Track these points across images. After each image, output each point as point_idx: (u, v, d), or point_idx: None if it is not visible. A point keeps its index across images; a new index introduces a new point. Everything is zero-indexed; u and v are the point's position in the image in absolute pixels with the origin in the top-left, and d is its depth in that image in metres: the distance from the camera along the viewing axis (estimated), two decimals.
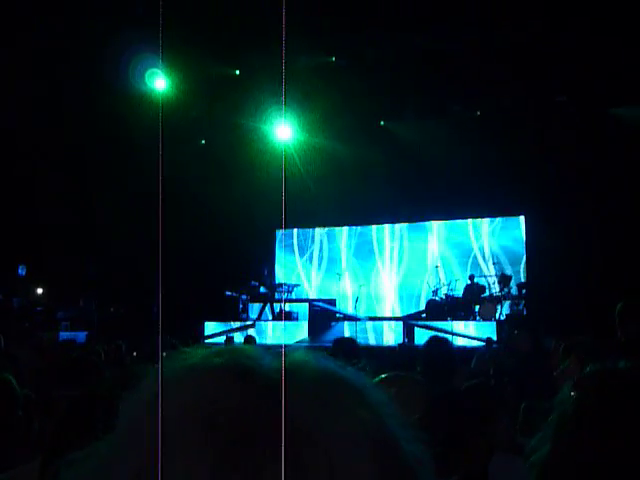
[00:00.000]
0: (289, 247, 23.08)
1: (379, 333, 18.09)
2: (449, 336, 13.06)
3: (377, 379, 2.34)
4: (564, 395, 1.46)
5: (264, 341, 17.53)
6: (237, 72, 18.28)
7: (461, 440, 2.57)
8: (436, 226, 21.39)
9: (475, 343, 15.49)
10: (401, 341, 16.95)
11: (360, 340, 17.74)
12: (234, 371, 0.72)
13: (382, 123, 19.92)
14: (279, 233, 22.33)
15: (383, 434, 0.71)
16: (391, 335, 17.74)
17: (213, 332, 18.41)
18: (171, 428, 0.66)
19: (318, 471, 0.65)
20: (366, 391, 0.75)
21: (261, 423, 0.66)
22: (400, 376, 2.40)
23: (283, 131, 18.22)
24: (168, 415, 0.66)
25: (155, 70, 16.31)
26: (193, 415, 0.67)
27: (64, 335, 16.30)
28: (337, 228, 22.52)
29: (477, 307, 17.95)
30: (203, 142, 20.73)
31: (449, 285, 19.33)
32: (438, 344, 5.82)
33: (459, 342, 15.40)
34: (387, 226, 21.93)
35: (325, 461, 0.65)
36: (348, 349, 5.72)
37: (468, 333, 16.36)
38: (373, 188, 19.56)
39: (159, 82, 16.60)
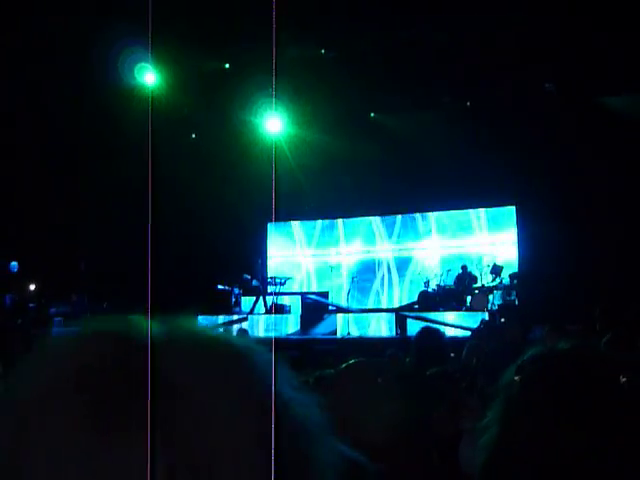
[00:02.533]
0: (286, 239, 23.05)
1: (371, 325, 18.12)
2: (441, 327, 13.10)
3: (344, 365, 2.38)
4: (509, 378, 1.47)
5: (257, 334, 17.53)
6: (227, 66, 18.24)
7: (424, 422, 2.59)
8: (428, 217, 21.39)
9: (467, 333, 15.53)
10: (393, 333, 16.99)
11: (352, 333, 17.81)
12: (112, 335, 0.74)
13: (372, 115, 19.91)
14: (271, 226, 22.34)
15: (265, 394, 0.72)
16: (383, 327, 17.77)
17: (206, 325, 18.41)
18: (43, 391, 0.68)
19: (191, 425, 0.67)
20: (254, 356, 0.77)
21: (131, 383, 0.67)
22: (365, 362, 2.43)
23: (274, 124, 18.21)
24: (41, 379, 0.69)
25: (144, 64, 16.27)
26: (64, 377, 0.69)
27: (57, 331, 16.27)
28: (328, 220, 22.49)
29: (469, 298, 18.00)
30: (194, 136, 20.69)
31: (441, 276, 19.37)
32: (429, 335, 5.85)
33: (451, 333, 15.43)
34: (378, 217, 21.92)
35: (198, 415, 0.68)
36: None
37: (460, 323, 16.38)
38: (364, 180, 19.56)
39: (149, 76, 16.56)
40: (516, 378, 1.47)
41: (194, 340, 0.76)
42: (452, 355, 6.70)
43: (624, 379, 1.39)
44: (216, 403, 0.70)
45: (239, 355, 0.77)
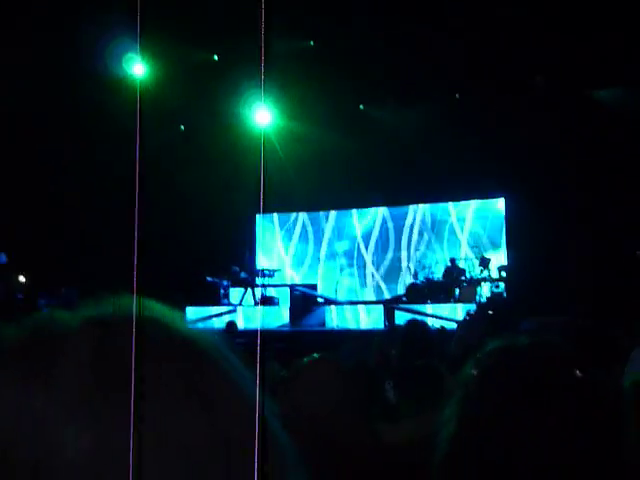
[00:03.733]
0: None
1: (359, 317, 18.14)
2: (428, 319, 13.14)
3: (304, 360, 2.44)
4: (466, 372, 1.49)
5: (245, 326, 17.53)
6: (215, 57, 18.20)
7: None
8: (417, 209, 21.41)
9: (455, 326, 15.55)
10: (382, 325, 17.01)
11: (340, 324, 17.84)
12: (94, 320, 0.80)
13: (361, 107, 19.89)
14: (260, 218, 22.34)
15: (205, 375, 0.76)
16: (371, 319, 17.80)
17: (194, 318, 18.38)
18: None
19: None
20: (194, 338, 0.81)
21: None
22: (322, 359, 2.48)
23: (262, 116, 18.18)
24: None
25: (133, 55, 16.22)
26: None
27: None
28: (318, 212, 22.50)
29: (457, 290, 18.04)
30: (182, 128, 20.64)
31: (429, 268, 19.41)
32: (416, 327, 5.88)
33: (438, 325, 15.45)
34: (367, 210, 21.93)
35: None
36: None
37: (448, 316, 16.40)
38: (354, 172, 19.56)
39: (137, 67, 16.51)
40: (473, 372, 1.49)
41: (139, 320, 0.77)
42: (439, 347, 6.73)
43: (579, 374, 1.41)
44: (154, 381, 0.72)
45: (181, 334, 0.80)
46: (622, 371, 5.33)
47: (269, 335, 15.00)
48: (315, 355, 2.53)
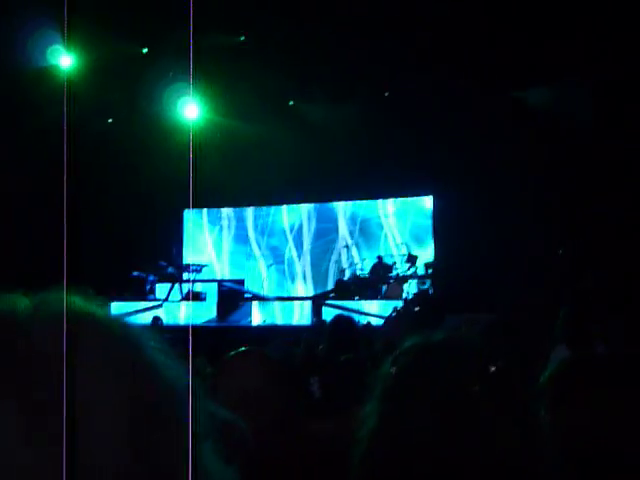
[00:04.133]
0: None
1: (287, 313, 18.16)
2: (356, 315, 13.22)
3: (232, 353, 2.46)
4: (385, 370, 1.51)
5: (172, 322, 17.41)
6: (145, 50, 18.01)
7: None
8: (345, 206, 21.50)
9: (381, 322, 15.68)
10: (310, 321, 17.05)
11: (268, 320, 17.84)
12: None
13: (291, 103, 19.89)
14: (188, 213, 22.20)
15: (130, 361, 0.77)
16: (299, 315, 17.83)
17: (120, 312, 18.17)
18: None
19: (55, 389, 0.71)
20: (119, 328, 0.82)
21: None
22: (248, 351, 2.50)
23: (191, 110, 18.06)
24: None
25: (58, 47, 15.97)
26: None
27: None
28: (246, 208, 22.44)
29: (384, 287, 18.17)
30: (110, 121, 20.38)
31: (357, 265, 19.52)
32: (342, 323, 5.91)
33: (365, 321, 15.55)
34: (296, 206, 21.95)
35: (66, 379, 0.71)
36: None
37: (375, 312, 16.51)
38: (283, 168, 19.54)
39: (64, 59, 16.25)
40: (391, 370, 1.51)
41: (59, 313, 0.77)
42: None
43: (493, 369, 1.44)
44: (87, 370, 0.73)
45: (101, 324, 0.80)
46: (543, 369, 5.44)
47: (196, 330, 14.91)
48: (242, 348, 2.54)
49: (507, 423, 1.41)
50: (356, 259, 20.10)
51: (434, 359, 1.50)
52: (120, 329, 0.81)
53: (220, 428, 0.88)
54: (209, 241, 22.87)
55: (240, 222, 22.61)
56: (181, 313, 18.31)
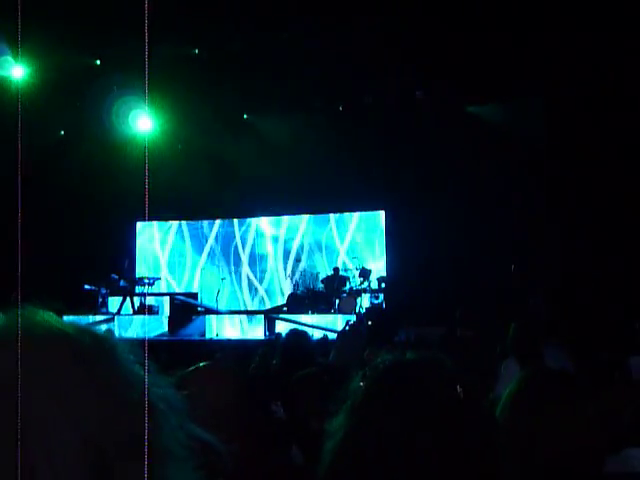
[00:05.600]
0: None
1: (239, 327, 18.08)
2: (309, 329, 13.20)
3: (191, 368, 2.43)
4: (355, 385, 1.53)
5: (124, 335, 17.24)
6: (98, 62, 17.88)
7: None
8: (299, 219, 21.49)
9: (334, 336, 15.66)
10: (265, 335, 16.99)
11: (220, 334, 17.73)
12: None
13: (245, 117, 19.87)
14: (140, 225, 22.05)
15: (111, 378, 0.77)
16: (252, 329, 17.75)
17: None
18: None
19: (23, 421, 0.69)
20: (101, 344, 0.82)
21: None
22: (211, 366, 2.48)
23: (145, 123, 17.97)
24: None
25: (9, 58, 15.80)
26: None
27: None
28: (199, 221, 22.35)
29: (337, 301, 18.17)
30: (62, 133, 20.19)
31: (310, 278, 19.50)
32: (296, 337, 5.90)
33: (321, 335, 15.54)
34: (251, 219, 21.90)
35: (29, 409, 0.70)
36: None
37: (328, 326, 16.49)
38: (237, 182, 19.52)
39: (16, 70, 16.08)
40: (361, 384, 1.53)
41: (29, 333, 0.76)
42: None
43: (460, 389, 1.47)
44: (48, 393, 0.72)
45: (75, 344, 0.78)
46: (492, 381, 5.49)
47: (149, 344, 14.77)
48: (200, 364, 2.50)
49: (473, 433, 1.44)
50: (309, 272, 20.08)
51: (403, 375, 1.52)
52: (95, 344, 0.80)
53: (199, 449, 0.87)
54: (161, 254, 22.72)
55: (194, 235, 22.51)
56: (132, 327, 18.13)
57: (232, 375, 2.52)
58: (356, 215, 20.93)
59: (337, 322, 16.37)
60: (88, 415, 0.73)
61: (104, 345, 0.80)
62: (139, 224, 22.03)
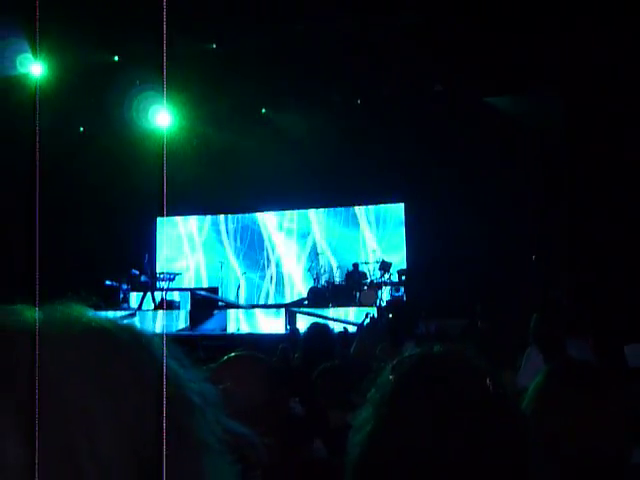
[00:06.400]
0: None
1: (261, 321, 18.12)
2: (330, 322, 13.21)
3: (223, 359, 2.42)
4: (384, 378, 1.53)
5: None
6: (116, 58, 17.93)
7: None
8: (318, 213, 21.50)
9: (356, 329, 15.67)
10: (285, 329, 17.01)
11: (241, 328, 17.78)
12: None
13: (263, 111, 19.87)
14: (161, 220, 22.12)
15: (146, 371, 0.77)
16: (273, 323, 17.78)
17: None
18: None
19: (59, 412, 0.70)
20: (135, 339, 0.82)
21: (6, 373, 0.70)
22: (243, 355, 2.47)
23: (163, 118, 18.01)
24: None
25: (28, 55, 15.86)
26: None
27: None
28: (220, 215, 22.39)
29: (358, 294, 18.17)
30: (82, 129, 20.27)
31: (331, 272, 19.51)
32: (317, 331, 5.90)
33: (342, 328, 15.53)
34: (271, 213, 21.92)
35: (69, 401, 0.71)
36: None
37: (350, 319, 16.50)
38: (256, 176, 19.55)
39: (35, 67, 16.14)
40: (390, 377, 1.53)
41: (68, 328, 0.77)
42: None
43: (490, 383, 1.47)
44: (89, 388, 0.72)
45: (114, 339, 0.80)
46: (513, 371, 5.48)
47: (169, 339, 14.83)
48: (231, 355, 2.50)
49: (503, 428, 1.44)
50: (330, 266, 20.09)
51: (433, 368, 1.52)
52: (132, 339, 0.81)
53: (235, 443, 0.88)
54: (183, 248, 22.78)
55: (215, 229, 22.56)
56: (154, 322, 18.21)
57: (265, 366, 2.52)
58: (376, 207, 20.90)
59: (358, 315, 16.37)
60: (129, 408, 0.74)
61: (141, 340, 0.81)
62: (160, 219, 22.12)
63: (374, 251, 20.14)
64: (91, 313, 0.82)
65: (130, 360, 0.78)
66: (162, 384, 0.74)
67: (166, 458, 0.72)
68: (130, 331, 0.82)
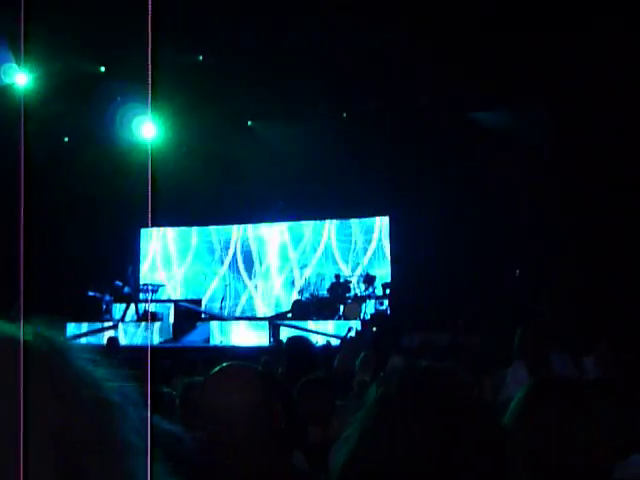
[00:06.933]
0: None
1: (244, 333, 18.06)
2: (314, 335, 13.19)
3: (215, 369, 2.43)
4: (372, 391, 1.54)
5: (128, 342, 17.25)
6: (102, 69, 17.88)
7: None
8: (300, 226, 21.48)
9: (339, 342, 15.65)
10: (269, 342, 16.97)
11: (225, 341, 17.73)
12: None
13: (249, 123, 19.87)
14: (145, 232, 22.05)
15: (64, 378, 0.78)
16: (257, 335, 17.73)
17: (75, 333, 17.93)
18: None
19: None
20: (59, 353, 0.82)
21: None
22: (236, 365, 2.47)
23: (148, 129, 17.97)
24: None
25: (12, 65, 15.81)
26: None
27: None
28: (206, 227, 22.33)
29: (342, 307, 18.15)
30: (66, 139, 20.19)
31: (314, 285, 19.47)
32: (299, 344, 5.89)
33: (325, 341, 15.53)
34: (257, 225, 21.87)
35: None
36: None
37: (333, 332, 16.48)
38: (242, 188, 19.52)
39: (20, 77, 16.10)
40: (377, 391, 1.53)
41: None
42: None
43: (473, 396, 1.48)
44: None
45: (26, 345, 0.80)
46: (493, 384, 5.49)
47: (152, 351, 14.78)
48: (224, 365, 2.50)
49: (486, 442, 1.44)
50: (315, 279, 20.05)
51: (419, 383, 1.53)
52: (46, 346, 0.80)
53: (163, 441, 0.88)
54: (167, 260, 22.72)
55: (200, 241, 22.50)
56: (137, 334, 18.13)
57: (261, 376, 2.52)
58: (360, 221, 20.90)
59: (342, 328, 16.35)
60: (47, 414, 0.73)
61: (55, 347, 0.81)
62: (143, 230, 22.04)
63: (358, 264, 20.14)
64: (4, 324, 0.82)
65: (44, 366, 0.78)
66: (79, 387, 0.74)
67: (89, 461, 0.72)
68: (44, 338, 0.82)
